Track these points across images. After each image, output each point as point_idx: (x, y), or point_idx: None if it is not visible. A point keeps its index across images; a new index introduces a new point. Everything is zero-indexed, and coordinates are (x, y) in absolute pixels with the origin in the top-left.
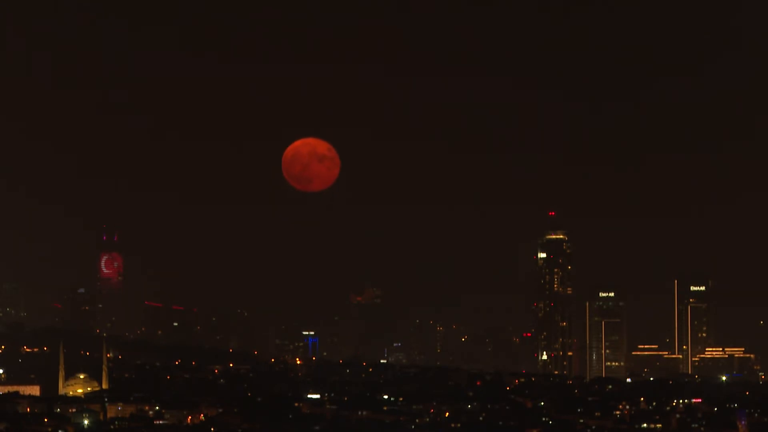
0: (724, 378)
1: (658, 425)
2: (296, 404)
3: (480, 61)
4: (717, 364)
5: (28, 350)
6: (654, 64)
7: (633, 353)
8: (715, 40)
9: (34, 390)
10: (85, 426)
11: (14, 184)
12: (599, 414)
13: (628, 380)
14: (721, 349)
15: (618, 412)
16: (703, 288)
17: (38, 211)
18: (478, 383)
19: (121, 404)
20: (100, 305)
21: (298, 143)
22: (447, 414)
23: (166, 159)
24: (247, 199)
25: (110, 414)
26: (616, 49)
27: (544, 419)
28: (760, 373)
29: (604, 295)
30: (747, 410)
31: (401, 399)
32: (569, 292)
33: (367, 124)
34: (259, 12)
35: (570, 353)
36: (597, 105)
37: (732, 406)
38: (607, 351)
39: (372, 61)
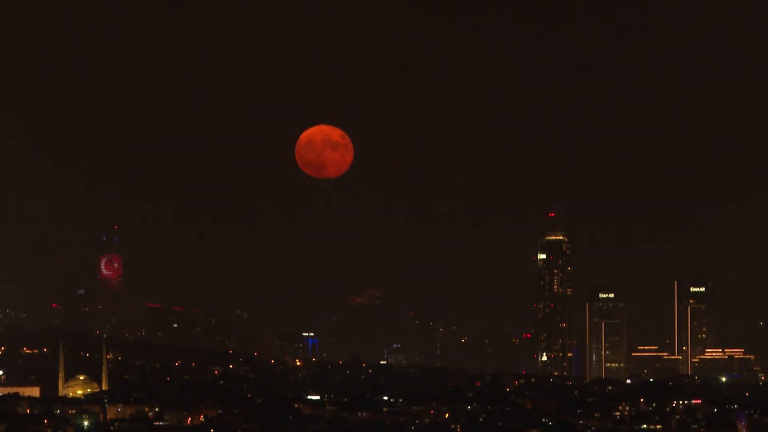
0: (723, 379)
1: (658, 426)
2: (296, 405)
3: (478, 61)
4: (717, 365)
5: (27, 351)
6: (654, 66)
7: (633, 354)
8: (716, 43)
9: (34, 391)
10: (85, 427)
11: (14, 184)
12: (599, 415)
13: (628, 381)
14: (720, 350)
15: (618, 413)
16: (702, 289)
17: (38, 212)
18: (477, 384)
19: (120, 405)
20: (100, 306)
21: (311, 130)
22: (447, 415)
23: (164, 158)
24: (246, 199)
25: (110, 415)
26: (616, 52)
27: (543, 420)
28: (760, 374)
29: (604, 296)
30: (747, 411)
31: (401, 400)
32: (569, 293)
33: (367, 121)
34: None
35: (570, 354)
36: (597, 105)
37: (732, 407)
38: (607, 352)
39: (374, 63)
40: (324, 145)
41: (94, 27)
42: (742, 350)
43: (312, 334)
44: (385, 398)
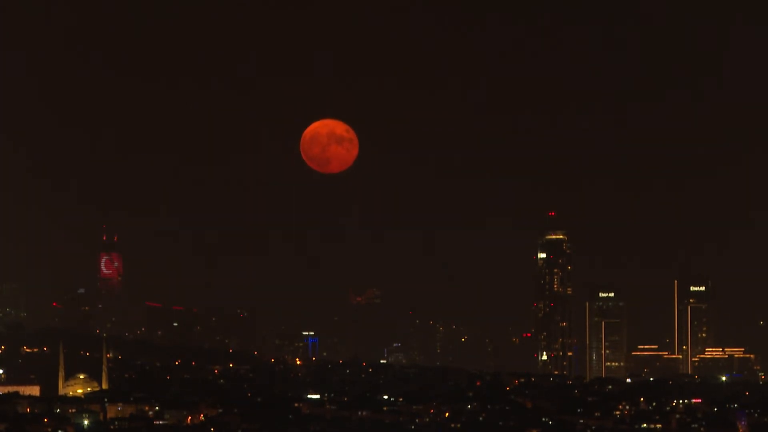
0: (724, 378)
1: (658, 425)
2: (296, 404)
3: (478, 61)
4: (717, 365)
5: (28, 350)
6: (654, 66)
7: (633, 353)
8: (716, 54)
9: (34, 390)
10: (85, 426)
11: (14, 184)
12: (599, 414)
13: (628, 380)
14: (720, 349)
15: (618, 413)
16: (702, 288)
17: (38, 211)
18: (477, 383)
19: (120, 404)
20: (100, 305)
21: (316, 124)
22: (447, 414)
23: (164, 158)
24: (246, 199)
25: (110, 414)
26: (618, 55)
27: (543, 420)
28: (760, 374)
29: (604, 295)
30: (747, 410)
31: (401, 399)
32: (569, 292)
33: (367, 120)
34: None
35: (570, 353)
36: (598, 104)
37: (732, 406)
38: (607, 351)
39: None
40: (329, 140)
41: (90, 28)
42: (742, 349)
43: (312, 333)
44: (385, 397)
